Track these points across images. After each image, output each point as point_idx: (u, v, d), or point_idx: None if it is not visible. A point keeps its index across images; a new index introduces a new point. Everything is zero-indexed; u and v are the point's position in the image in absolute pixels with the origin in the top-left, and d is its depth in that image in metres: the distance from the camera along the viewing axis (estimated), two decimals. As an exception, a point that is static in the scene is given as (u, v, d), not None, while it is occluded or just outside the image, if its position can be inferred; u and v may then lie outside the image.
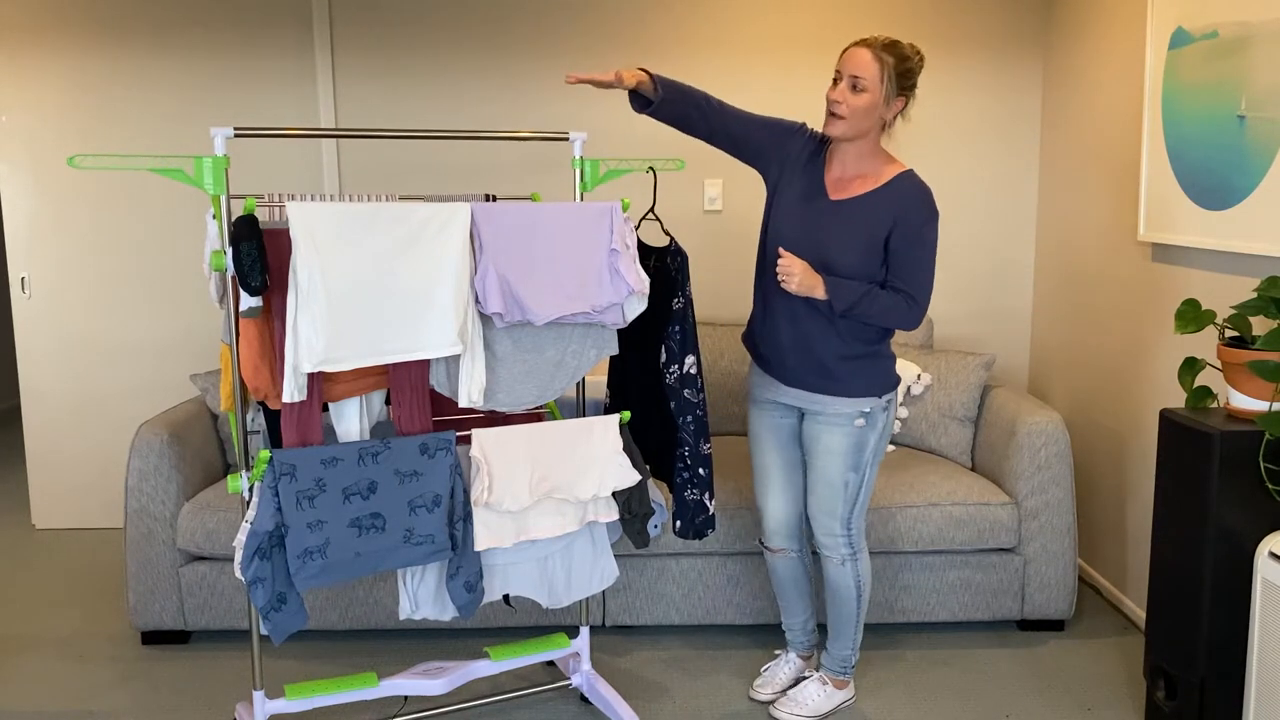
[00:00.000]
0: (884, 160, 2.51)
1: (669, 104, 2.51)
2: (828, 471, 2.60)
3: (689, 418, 2.60)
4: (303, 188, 4.14)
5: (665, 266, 2.62)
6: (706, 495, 2.65)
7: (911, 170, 2.51)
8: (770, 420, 2.70)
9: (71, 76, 4.09)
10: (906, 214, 2.43)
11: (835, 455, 2.58)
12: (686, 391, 2.59)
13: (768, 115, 2.62)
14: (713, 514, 2.68)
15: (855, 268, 2.45)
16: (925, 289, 2.45)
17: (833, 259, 2.46)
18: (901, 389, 3.56)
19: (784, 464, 2.72)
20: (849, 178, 2.51)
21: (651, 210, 2.80)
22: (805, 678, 2.81)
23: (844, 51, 2.44)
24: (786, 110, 4.04)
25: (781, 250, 2.44)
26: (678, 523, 2.66)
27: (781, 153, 2.60)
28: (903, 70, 2.40)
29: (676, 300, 2.58)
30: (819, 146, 2.58)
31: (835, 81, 2.43)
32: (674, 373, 2.59)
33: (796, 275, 2.39)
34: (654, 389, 2.66)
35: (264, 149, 4.13)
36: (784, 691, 2.83)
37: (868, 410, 2.55)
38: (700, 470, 2.63)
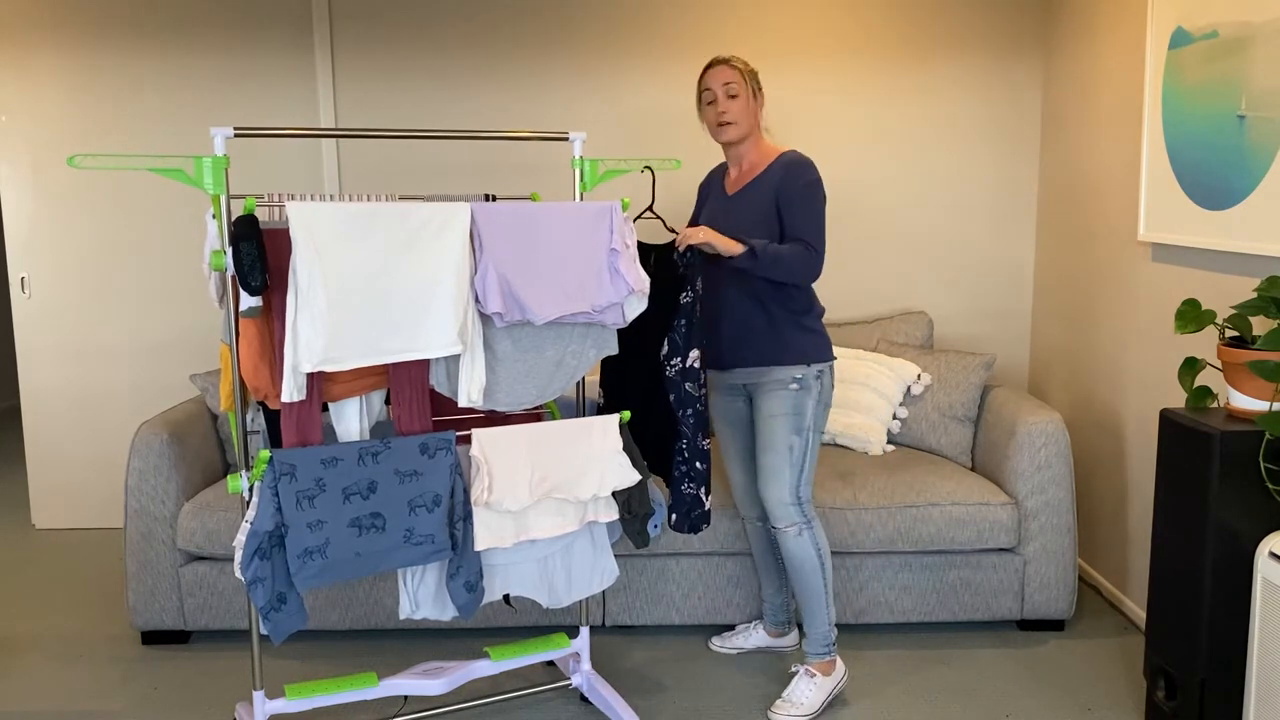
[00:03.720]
0: (768, 150, 2.78)
1: None
2: (773, 437, 2.73)
3: (689, 411, 2.62)
4: (303, 188, 4.14)
5: (670, 262, 2.62)
6: (703, 490, 2.66)
7: (793, 150, 2.77)
8: (723, 402, 2.94)
9: (71, 76, 4.09)
10: (788, 180, 2.69)
11: (777, 418, 2.73)
12: (688, 385, 2.61)
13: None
14: (709, 509, 2.70)
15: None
16: (819, 238, 2.67)
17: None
18: (901, 388, 3.57)
19: (736, 439, 2.95)
20: (743, 174, 2.79)
21: (650, 208, 2.80)
22: (793, 673, 2.82)
23: (702, 76, 2.74)
24: (787, 109, 4.05)
25: (683, 232, 2.59)
26: (673, 515, 2.69)
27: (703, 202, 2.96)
28: (750, 72, 2.74)
29: (685, 295, 2.60)
30: (719, 169, 2.91)
31: (709, 102, 2.72)
32: (675, 366, 2.60)
33: (708, 235, 2.56)
34: (656, 384, 2.67)
35: (264, 149, 4.13)
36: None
37: (799, 377, 2.73)
38: (698, 464, 2.64)
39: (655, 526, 2.73)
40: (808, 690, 2.77)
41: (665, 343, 2.61)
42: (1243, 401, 2.39)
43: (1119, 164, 3.40)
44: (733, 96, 2.69)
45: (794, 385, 2.72)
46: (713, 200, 2.87)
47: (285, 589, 2.28)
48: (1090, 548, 3.64)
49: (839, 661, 2.85)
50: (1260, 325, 2.56)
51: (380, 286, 2.22)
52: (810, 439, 2.74)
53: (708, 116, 2.74)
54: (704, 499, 2.67)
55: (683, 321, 2.60)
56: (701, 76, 2.74)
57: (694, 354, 2.60)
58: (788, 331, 2.73)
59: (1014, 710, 2.79)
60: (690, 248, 2.60)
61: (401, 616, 2.54)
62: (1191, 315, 2.52)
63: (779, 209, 2.69)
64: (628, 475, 2.56)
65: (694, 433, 2.62)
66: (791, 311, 2.74)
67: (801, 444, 2.73)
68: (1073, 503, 3.16)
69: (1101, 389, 3.53)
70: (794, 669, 2.84)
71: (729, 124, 2.70)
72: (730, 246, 2.56)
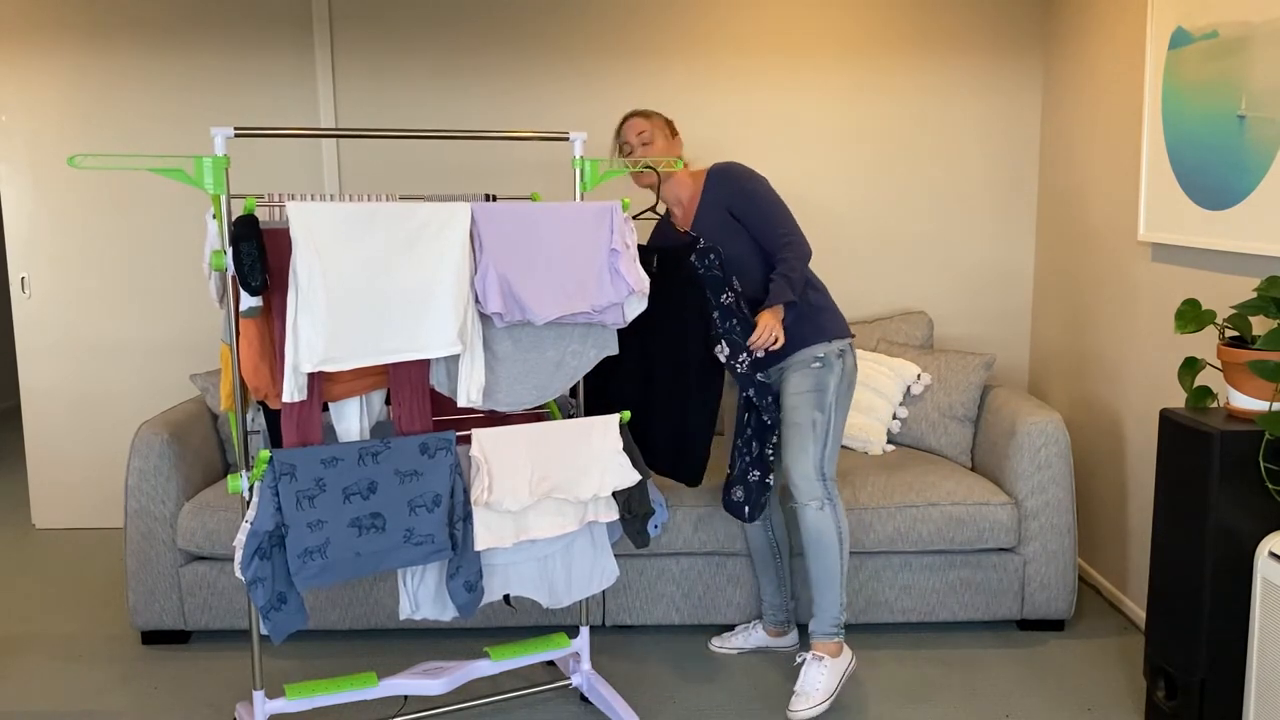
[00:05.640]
0: (694, 174, 2.90)
1: None
2: (796, 414, 2.77)
3: (769, 398, 2.69)
4: (303, 188, 4.14)
5: (691, 265, 2.64)
6: (769, 476, 2.75)
7: (714, 163, 2.88)
8: (737, 398, 2.90)
9: (71, 76, 4.09)
10: (727, 188, 2.81)
11: (799, 395, 2.78)
12: (760, 375, 2.67)
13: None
14: (771, 489, 2.78)
15: (736, 253, 2.80)
16: (789, 223, 2.78)
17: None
18: (901, 388, 3.57)
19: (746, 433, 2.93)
20: (686, 204, 2.89)
21: (654, 208, 2.80)
22: (800, 662, 2.82)
23: (618, 131, 2.88)
24: (786, 110, 4.05)
25: (756, 336, 2.64)
26: (746, 508, 2.75)
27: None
28: (664, 119, 2.89)
29: (726, 295, 2.64)
30: (664, 221, 2.97)
31: (627, 154, 2.85)
32: (744, 361, 2.66)
33: (774, 326, 2.64)
34: (683, 383, 2.73)
35: (264, 149, 4.13)
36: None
37: (821, 355, 2.80)
38: (775, 439, 2.75)
39: (655, 527, 2.74)
40: (819, 676, 2.75)
41: (724, 344, 2.66)
42: (1243, 401, 2.39)
43: (1119, 164, 3.40)
44: (646, 144, 2.82)
45: (816, 364, 2.78)
46: (669, 239, 2.92)
47: (285, 589, 2.28)
48: (1090, 548, 3.64)
49: (846, 647, 2.85)
50: (1260, 325, 2.57)
51: (380, 286, 2.22)
52: (833, 417, 2.79)
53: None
54: (768, 481, 2.75)
55: (733, 321, 2.65)
56: (616, 134, 2.89)
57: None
58: (802, 315, 2.80)
59: (1014, 710, 2.79)
60: (713, 250, 2.64)
61: (401, 616, 2.54)
62: (1191, 315, 2.52)
63: (736, 218, 2.79)
64: (628, 475, 2.56)
65: (776, 416, 2.72)
66: (799, 298, 2.81)
67: (824, 420, 2.77)
68: (1073, 503, 3.16)
69: (1101, 389, 3.53)
70: (799, 659, 2.83)
71: (653, 170, 2.83)
72: (779, 314, 2.69)
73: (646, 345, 2.75)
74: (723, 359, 2.66)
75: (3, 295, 6.60)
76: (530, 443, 2.47)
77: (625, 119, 2.87)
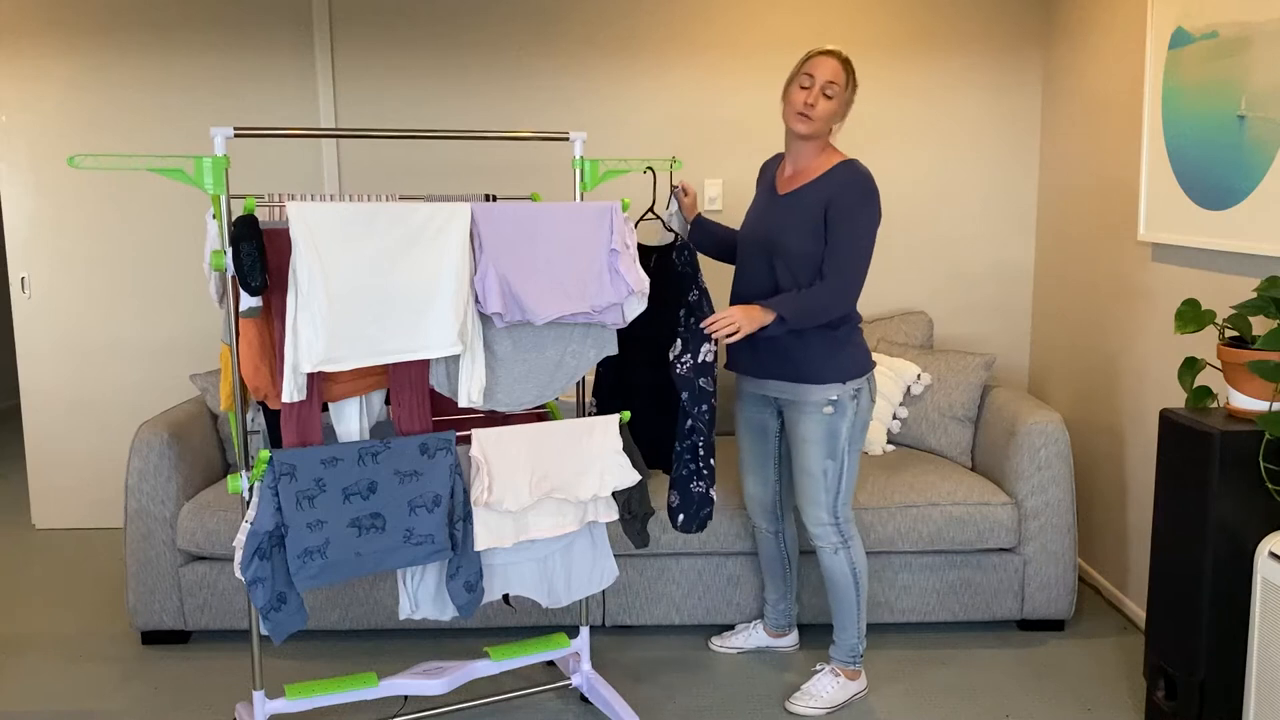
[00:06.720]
0: (829, 154, 2.68)
1: (703, 230, 2.91)
2: (806, 461, 2.70)
3: (704, 407, 2.59)
4: (303, 188, 4.14)
5: (672, 263, 2.63)
6: (712, 488, 2.66)
7: (853, 160, 2.65)
8: (747, 413, 2.88)
9: (71, 76, 4.09)
10: (841, 195, 2.59)
11: (810, 444, 2.68)
12: (702, 380, 2.59)
13: None
14: (714, 503, 2.70)
15: (805, 251, 2.62)
16: (853, 263, 2.57)
17: (784, 245, 2.64)
18: (901, 388, 3.57)
19: (755, 453, 2.91)
20: (798, 172, 2.70)
21: (651, 209, 2.80)
22: (817, 670, 2.83)
23: (811, 58, 2.61)
24: (786, 110, 4.05)
25: (712, 319, 2.51)
26: (680, 516, 2.66)
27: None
28: (855, 82, 2.65)
29: (692, 293, 2.60)
30: (776, 159, 2.83)
31: (804, 86, 2.60)
32: (686, 363, 2.58)
33: (737, 319, 2.50)
34: (658, 384, 2.68)
35: (264, 149, 4.13)
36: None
37: (835, 398, 2.65)
38: (711, 460, 2.64)
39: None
40: (829, 686, 2.77)
41: (677, 341, 2.60)
42: (1243, 401, 2.39)
43: (1119, 164, 3.40)
44: (829, 97, 2.58)
45: (828, 408, 2.64)
46: (761, 195, 2.78)
47: (285, 589, 2.28)
48: (1090, 548, 3.64)
49: (864, 675, 2.85)
50: (1260, 325, 2.57)
51: (380, 286, 2.22)
52: (846, 461, 2.68)
53: (793, 98, 2.60)
54: (712, 495, 2.66)
55: (694, 319, 2.59)
56: (809, 59, 2.60)
57: (705, 348, 2.58)
58: (822, 348, 2.64)
59: (1014, 710, 2.79)
60: (686, 247, 2.61)
61: (401, 616, 2.54)
62: (1191, 315, 2.52)
63: (827, 220, 2.59)
64: (628, 475, 2.56)
65: (709, 429, 2.61)
66: (824, 327, 2.64)
67: (836, 467, 2.68)
68: (1073, 503, 3.16)
69: (1101, 389, 3.53)
70: (818, 667, 2.84)
71: (807, 119, 2.59)
72: (760, 321, 2.52)
73: (659, 344, 2.74)
74: (671, 356, 2.60)
75: (3, 295, 6.60)
76: (530, 443, 2.47)
77: (820, 53, 2.59)
